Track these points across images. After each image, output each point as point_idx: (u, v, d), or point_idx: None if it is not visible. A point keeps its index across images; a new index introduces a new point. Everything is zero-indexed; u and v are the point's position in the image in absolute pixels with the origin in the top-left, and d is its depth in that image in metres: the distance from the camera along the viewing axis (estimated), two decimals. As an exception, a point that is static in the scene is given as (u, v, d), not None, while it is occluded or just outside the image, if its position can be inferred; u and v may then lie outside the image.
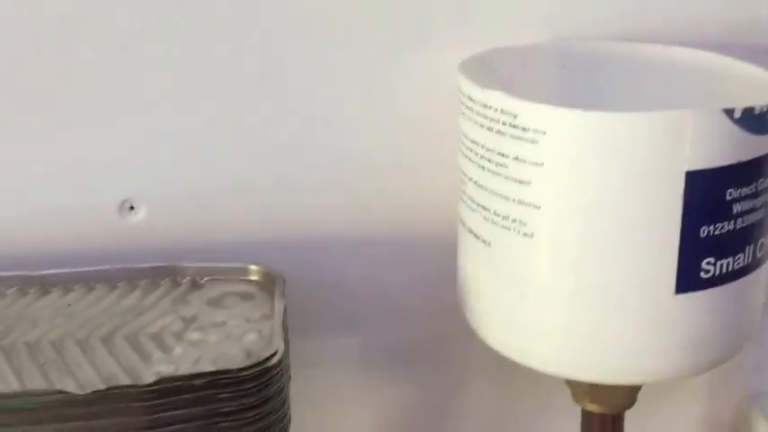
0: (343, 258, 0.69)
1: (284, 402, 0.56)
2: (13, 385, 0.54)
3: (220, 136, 0.66)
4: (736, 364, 0.62)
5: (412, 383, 0.74)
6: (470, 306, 0.62)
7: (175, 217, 0.67)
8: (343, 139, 0.67)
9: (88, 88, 0.63)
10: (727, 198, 0.53)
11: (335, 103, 0.66)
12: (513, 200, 0.56)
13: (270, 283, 0.63)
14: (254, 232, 0.67)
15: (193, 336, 0.59)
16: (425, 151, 0.67)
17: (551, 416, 0.74)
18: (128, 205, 0.66)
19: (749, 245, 0.55)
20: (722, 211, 0.54)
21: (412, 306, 0.71)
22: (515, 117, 0.54)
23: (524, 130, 0.54)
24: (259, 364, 0.54)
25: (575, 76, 0.65)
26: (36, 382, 0.54)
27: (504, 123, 0.55)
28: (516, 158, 0.55)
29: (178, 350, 0.57)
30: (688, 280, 0.54)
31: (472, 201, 0.59)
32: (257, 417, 0.54)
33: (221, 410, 0.53)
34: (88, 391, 0.52)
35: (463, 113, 0.59)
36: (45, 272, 0.63)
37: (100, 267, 0.64)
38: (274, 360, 0.54)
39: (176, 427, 0.53)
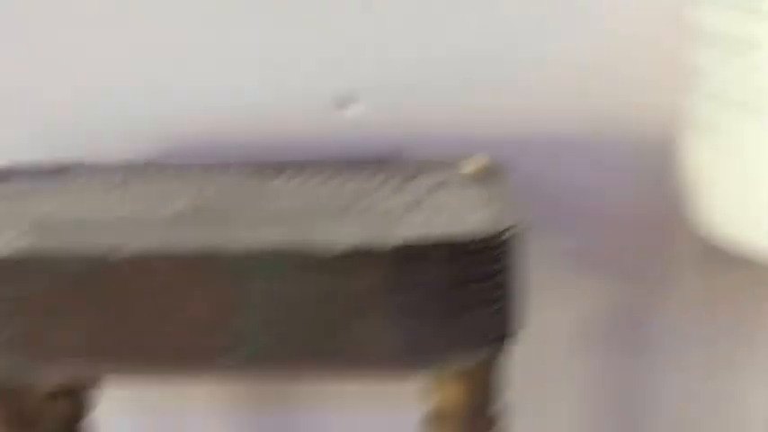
0: (565, 157, 0.69)
1: (521, 275, 0.56)
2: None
3: (449, 36, 0.67)
4: None
5: (622, 284, 0.73)
6: (700, 202, 0.61)
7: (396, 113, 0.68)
8: (561, 40, 0.67)
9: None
10: None
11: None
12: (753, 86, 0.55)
13: (492, 173, 0.63)
14: (474, 128, 0.68)
15: (422, 215, 0.59)
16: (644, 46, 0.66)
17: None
18: (348, 99, 0.68)
19: None
20: None
21: (623, 209, 0.71)
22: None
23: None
24: (501, 233, 0.54)
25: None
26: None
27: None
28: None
29: (411, 222, 0.57)
30: None
31: (706, 91, 0.58)
32: (501, 284, 0.54)
33: (463, 279, 0.53)
34: (336, 253, 0.52)
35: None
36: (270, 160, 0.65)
37: (323, 157, 0.66)
38: (515, 231, 0.54)
39: (419, 293, 0.53)
